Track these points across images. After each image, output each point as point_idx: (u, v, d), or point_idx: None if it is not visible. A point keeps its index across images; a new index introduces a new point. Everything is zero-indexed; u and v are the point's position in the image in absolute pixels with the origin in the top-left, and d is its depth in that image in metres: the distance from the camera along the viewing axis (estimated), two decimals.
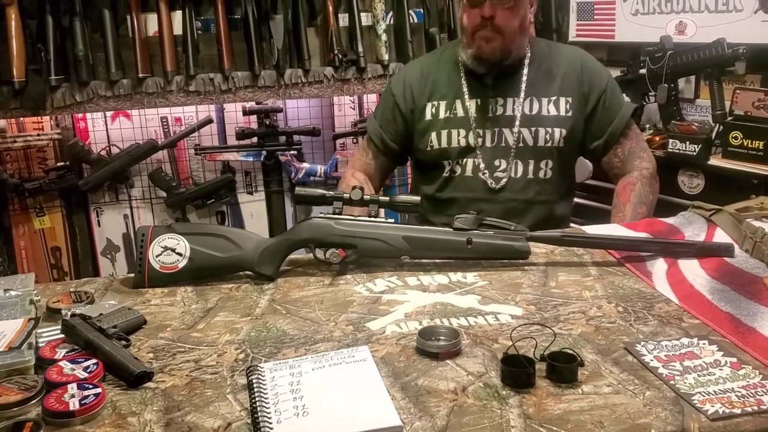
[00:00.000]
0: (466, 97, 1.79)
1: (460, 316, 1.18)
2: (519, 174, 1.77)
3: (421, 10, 2.77)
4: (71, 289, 1.29)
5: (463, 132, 1.78)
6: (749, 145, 2.11)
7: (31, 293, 1.22)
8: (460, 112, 1.79)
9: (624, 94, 2.63)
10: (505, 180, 1.77)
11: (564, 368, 0.95)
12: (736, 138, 2.15)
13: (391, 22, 2.72)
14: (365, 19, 2.67)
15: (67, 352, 1.04)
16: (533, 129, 1.76)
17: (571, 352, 0.98)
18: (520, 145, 1.76)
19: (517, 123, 1.76)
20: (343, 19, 2.66)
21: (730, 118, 2.23)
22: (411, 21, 2.71)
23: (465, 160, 1.79)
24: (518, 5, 1.68)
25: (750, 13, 2.29)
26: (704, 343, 1.05)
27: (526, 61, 1.78)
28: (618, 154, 1.82)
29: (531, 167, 1.77)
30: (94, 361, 1.00)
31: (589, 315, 1.17)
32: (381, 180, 1.96)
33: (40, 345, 1.07)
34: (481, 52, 1.71)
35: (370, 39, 2.69)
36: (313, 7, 2.68)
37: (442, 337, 1.06)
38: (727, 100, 2.28)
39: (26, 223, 2.75)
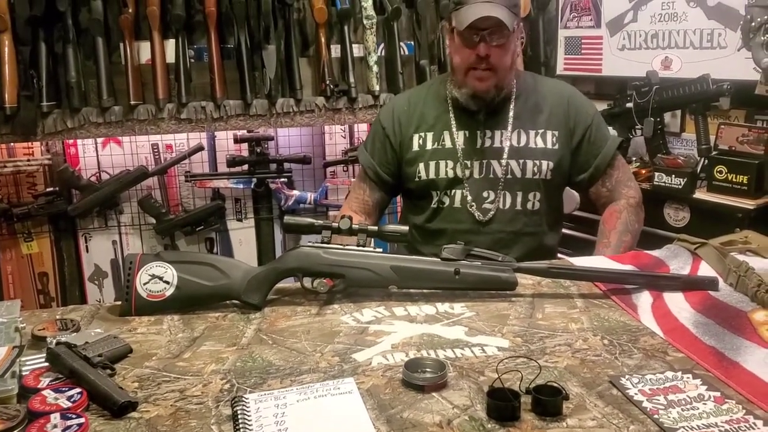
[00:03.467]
0: (454, 129, 1.80)
1: (447, 347, 1.18)
2: (507, 205, 1.78)
3: (412, 43, 2.81)
4: (57, 317, 1.29)
5: (450, 163, 1.79)
6: (734, 179, 2.14)
7: (16, 320, 1.21)
8: (447, 144, 1.80)
9: (611, 128, 2.68)
10: (493, 212, 1.78)
11: (549, 401, 0.96)
12: (720, 172, 2.18)
13: (383, 53, 2.75)
14: (357, 50, 2.70)
15: (51, 381, 1.03)
16: (521, 161, 1.78)
17: (556, 385, 0.99)
18: (508, 176, 1.78)
19: (505, 155, 1.78)
20: (335, 50, 2.69)
21: (714, 153, 2.27)
22: (402, 53, 2.74)
23: (453, 191, 1.80)
24: (509, 42, 1.71)
25: (733, 51, 2.34)
26: (688, 377, 1.05)
27: (513, 95, 1.80)
28: (606, 184, 1.85)
29: (519, 199, 1.79)
30: (78, 390, 0.99)
31: (574, 348, 1.17)
32: (378, 216, 1.95)
33: (24, 373, 1.06)
34: (476, 91, 1.73)
35: (362, 70, 2.72)
36: (305, 38, 2.72)
37: (428, 370, 1.06)
38: (712, 134, 2.32)
39: (13, 248, 2.74)
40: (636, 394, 1.00)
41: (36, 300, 2.79)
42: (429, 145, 1.82)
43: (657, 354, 1.15)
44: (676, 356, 1.14)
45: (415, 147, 1.83)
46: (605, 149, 1.83)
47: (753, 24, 2.07)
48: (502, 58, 1.70)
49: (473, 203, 1.78)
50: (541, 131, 1.79)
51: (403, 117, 1.86)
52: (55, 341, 1.10)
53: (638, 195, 1.86)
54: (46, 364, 1.07)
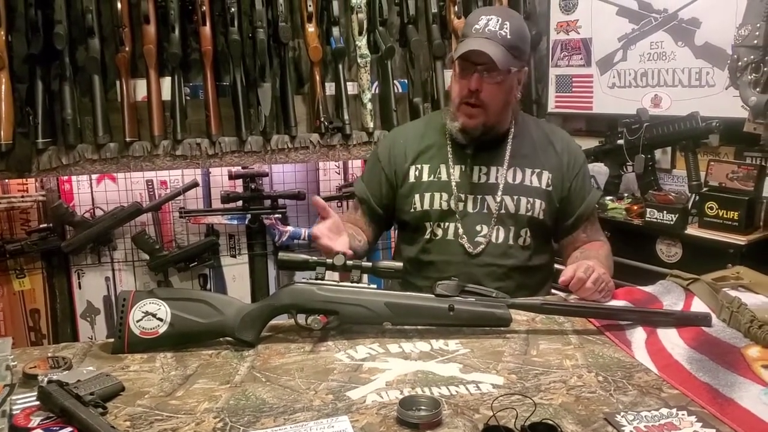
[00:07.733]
0: (450, 162, 1.82)
1: (442, 385, 1.18)
2: (500, 240, 1.79)
3: (406, 81, 2.84)
4: (49, 355, 1.28)
5: (445, 196, 1.81)
6: (724, 216, 2.16)
7: (7, 358, 1.20)
8: (443, 177, 1.82)
9: (602, 164, 2.70)
10: (483, 245, 1.78)
11: None
12: (711, 208, 2.19)
13: (377, 91, 2.79)
14: (351, 88, 2.73)
15: (42, 420, 1.02)
16: (515, 197, 1.79)
17: (551, 422, 0.98)
18: (502, 211, 1.79)
19: (500, 191, 1.79)
20: (330, 88, 2.72)
21: (705, 189, 2.28)
22: (396, 91, 2.77)
23: (447, 224, 1.81)
24: (506, 81, 1.72)
25: (721, 89, 2.38)
26: (683, 414, 1.05)
27: (511, 134, 1.83)
28: (586, 231, 1.87)
29: (512, 234, 1.79)
30: (69, 429, 0.98)
31: (569, 384, 1.17)
32: (374, 236, 1.94)
33: (15, 412, 1.05)
34: (465, 126, 1.76)
35: (356, 107, 2.75)
36: (300, 75, 2.75)
37: (422, 408, 1.06)
38: (702, 171, 2.35)
39: (5, 285, 2.72)
40: (631, 431, 1.00)
41: (27, 337, 2.76)
42: (425, 177, 1.83)
43: (652, 390, 1.14)
44: (671, 393, 1.14)
45: (412, 179, 1.85)
46: (589, 198, 1.86)
47: (740, 63, 2.11)
48: (494, 96, 1.72)
49: (464, 236, 1.79)
50: (537, 170, 1.81)
51: (401, 150, 1.88)
52: (46, 379, 1.09)
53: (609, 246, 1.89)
54: (37, 402, 1.06)
